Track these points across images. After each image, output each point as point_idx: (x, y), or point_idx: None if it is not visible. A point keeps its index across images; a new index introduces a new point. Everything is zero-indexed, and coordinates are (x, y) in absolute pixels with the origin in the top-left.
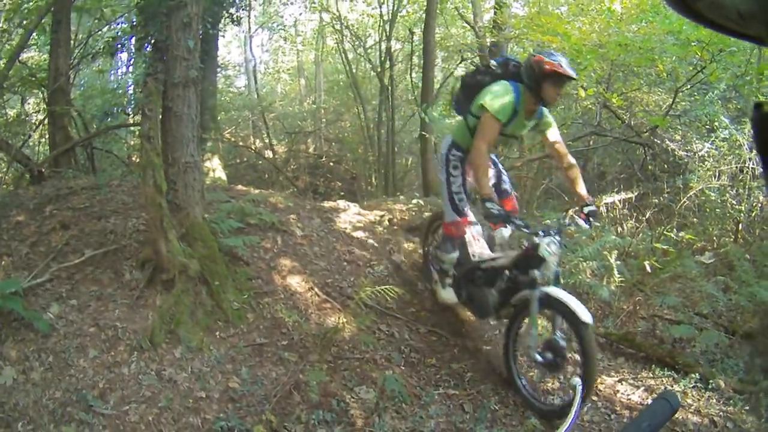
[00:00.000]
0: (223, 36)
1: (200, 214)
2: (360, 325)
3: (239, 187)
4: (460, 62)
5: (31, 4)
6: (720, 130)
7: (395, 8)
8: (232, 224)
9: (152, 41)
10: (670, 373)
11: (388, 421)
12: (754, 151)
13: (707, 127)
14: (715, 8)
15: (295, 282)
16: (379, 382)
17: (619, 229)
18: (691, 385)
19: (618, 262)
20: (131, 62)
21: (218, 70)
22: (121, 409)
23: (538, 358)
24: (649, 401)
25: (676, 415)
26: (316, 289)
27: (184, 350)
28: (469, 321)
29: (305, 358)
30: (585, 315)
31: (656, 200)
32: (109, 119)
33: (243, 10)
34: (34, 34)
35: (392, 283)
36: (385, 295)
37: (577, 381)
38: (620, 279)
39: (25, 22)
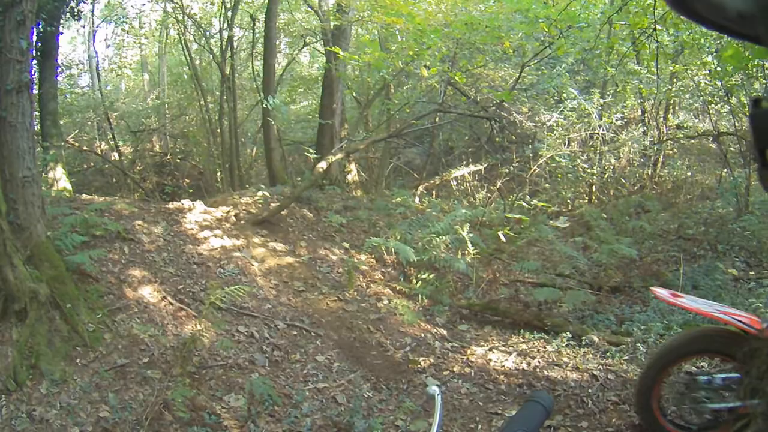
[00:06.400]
0: (63, 33)
1: (43, 232)
2: (217, 329)
3: (84, 196)
4: (303, 47)
5: None
6: (568, 101)
7: None
8: (76, 239)
9: None
10: (540, 335)
11: (263, 426)
12: (604, 119)
13: (555, 98)
14: (714, 9)
15: (147, 293)
16: (247, 387)
17: (471, 200)
18: (564, 344)
19: (471, 234)
20: None
21: (60, 69)
22: None
23: None
24: (524, 366)
25: (555, 374)
26: (168, 298)
27: (49, 384)
28: (327, 309)
29: (168, 374)
30: None
31: (506, 170)
32: None
33: (84, 3)
34: None
35: (244, 281)
36: (237, 295)
37: (435, 390)
38: (475, 251)
39: None
